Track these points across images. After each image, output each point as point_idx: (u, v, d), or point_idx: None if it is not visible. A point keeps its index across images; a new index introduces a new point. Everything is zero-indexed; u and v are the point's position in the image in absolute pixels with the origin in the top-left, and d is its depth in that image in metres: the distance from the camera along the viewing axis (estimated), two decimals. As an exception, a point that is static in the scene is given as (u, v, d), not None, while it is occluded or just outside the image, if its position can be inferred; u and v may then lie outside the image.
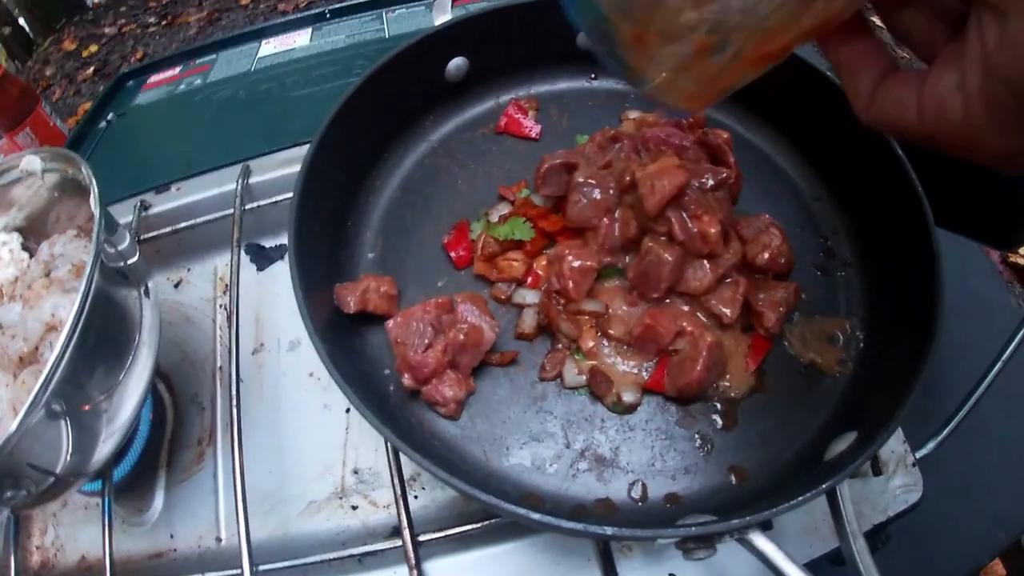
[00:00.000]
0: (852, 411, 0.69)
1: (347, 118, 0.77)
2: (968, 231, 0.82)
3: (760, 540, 0.57)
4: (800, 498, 0.56)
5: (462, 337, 0.68)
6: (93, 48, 3.31)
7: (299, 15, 1.27)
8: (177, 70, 1.30)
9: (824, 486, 0.57)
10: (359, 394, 0.60)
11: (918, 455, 0.76)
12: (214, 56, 1.28)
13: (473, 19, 0.82)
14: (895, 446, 0.76)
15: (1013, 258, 1.98)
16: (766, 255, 0.74)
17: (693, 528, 0.55)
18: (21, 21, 3.78)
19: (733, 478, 0.68)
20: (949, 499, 0.88)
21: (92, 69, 3.19)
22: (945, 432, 0.77)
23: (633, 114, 0.86)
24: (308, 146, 0.73)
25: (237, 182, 0.93)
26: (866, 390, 0.70)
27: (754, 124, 0.87)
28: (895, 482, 0.75)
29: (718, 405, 0.71)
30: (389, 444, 0.72)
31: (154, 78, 1.32)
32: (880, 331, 0.74)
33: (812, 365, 0.73)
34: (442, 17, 0.83)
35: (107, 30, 3.36)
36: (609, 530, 0.54)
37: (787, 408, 0.71)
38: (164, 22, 3.27)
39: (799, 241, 0.79)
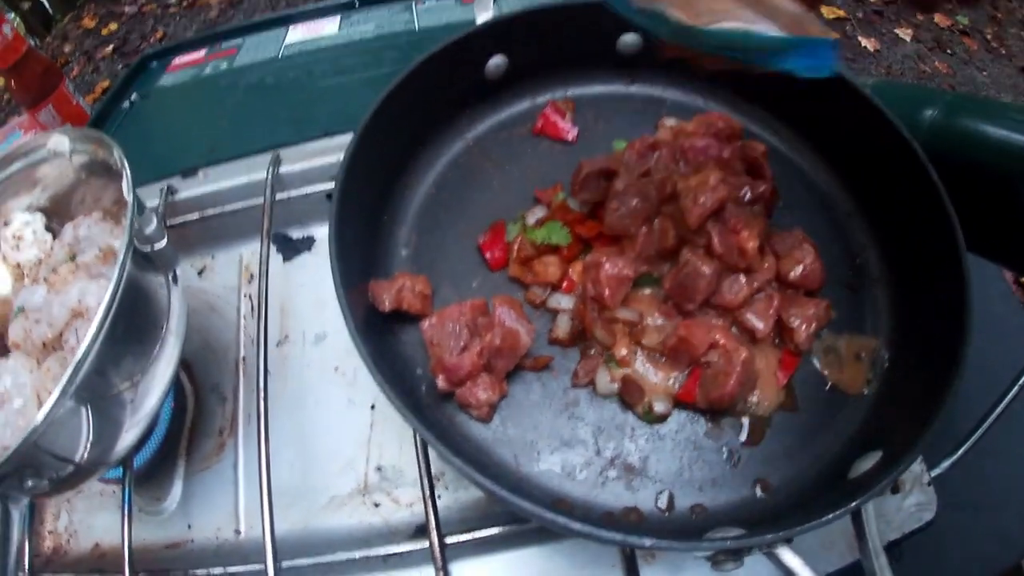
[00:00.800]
0: (876, 431, 0.70)
1: (388, 112, 0.77)
2: (996, 256, 0.83)
3: (787, 555, 0.58)
4: (830, 516, 0.57)
5: (498, 341, 0.68)
6: (113, 26, 3.28)
7: (326, 3, 1.27)
8: (202, 53, 1.29)
9: (853, 505, 0.58)
10: (398, 394, 0.61)
11: (932, 474, 0.77)
12: (240, 40, 1.27)
13: (515, 18, 0.82)
14: (912, 465, 0.77)
15: (1024, 279, 2.00)
16: (799, 271, 0.75)
17: (728, 542, 0.56)
18: (41, -3, 3.76)
19: (759, 491, 0.69)
20: (959, 518, 0.89)
21: (111, 47, 3.16)
22: (959, 452, 0.78)
23: (670, 121, 0.87)
24: (348, 138, 0.73)
25: (267, 171, 0.93)
26: (890, 410, 0.71)
27: (789, 138, 0.88)
28: (910, 500, 0.76)
29: (746, 419, 0.72)
30: (419, 443, 0.72)
31: (178, 60, 1.31)
32: (905, 352, 0.75)
33: (838, 383, 0.74)
34: (484, 15, 0.82)
35: (127, 8, 3.33)
36: (648, 541, 0.54)
37: (813, 425, 0.72)
38: (185, 3, 3.24)
39: (829, 256, 0.80)
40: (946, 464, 0.78)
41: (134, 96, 1.24)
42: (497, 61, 0.85)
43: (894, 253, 0.80)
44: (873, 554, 0.62)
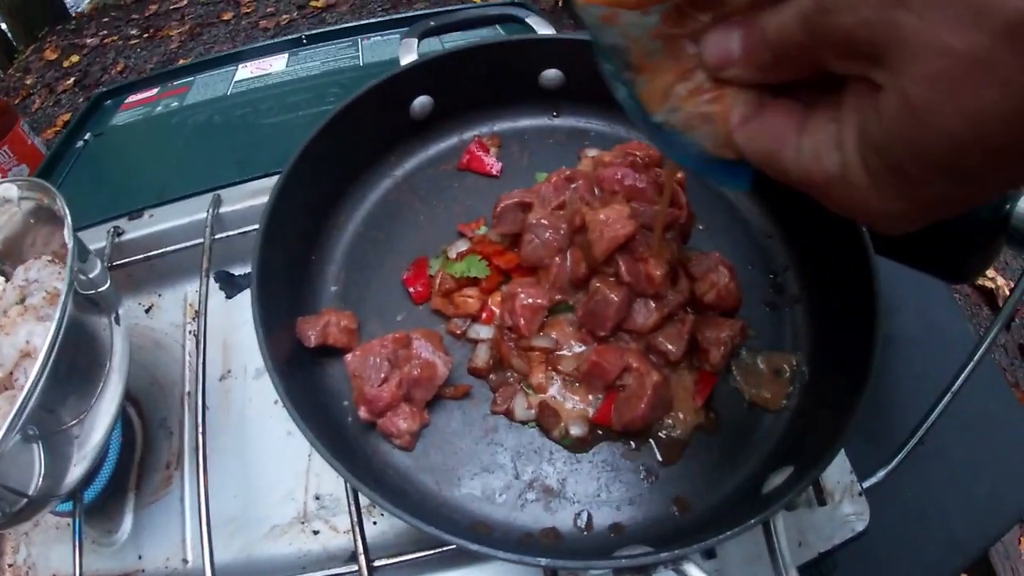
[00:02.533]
0: (792, 445, 0.74)
1: (314, 154, 0.81)
2: (922, 265, 0.86)
3: (695, 572, 0.61)
4: (731, 531, 0.60)
5: (416, 372, 0.72)
6: (74, 58, 3.34)
7: (276, 40, 1.32)
8: (155, 91, 1.34)
9: (755, 519, 0.61)
10: (315, 430, 0.65)
11: (867, 484, 0.79)
12: (192, 78, 1.32)
13: (438, 59, 0.87)
14: (841, 476, 0.80)
15: (981, 280, 2.04)
16: (713, 293, 0.79)
17: (623, 560, 0.60)
18: (3, 27, 3.82)
19: (676, 509, 0.72)
20: (903, 526, 0.93)
21: (72, 80, 3.22)
22: (895, 462, 0.80)
23: (591, 152, 0.91)
24: (276, 179, 0.78)
25: (208, 211, 0.98)
26: (807, 425, 0.75)
27: (709, 163, 0.92)
28: (841, 511, 0.79)
29: (663, 437, 0.75)
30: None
31: (132, 98, 1.36)
32: (823, 366, 0.78)
33: (757, 400, 0.78)
34: (408, 57, 0.87)
35: (89, 40, 3.40)
36: (543, 560, 0.58)
37: (732, 442, 0.76)
38: (146, 35, 3.31)
39: (750, 278, 0.84)
40: (881, 473, 0.80)
41: (87, 136, 1.29)
42: (423, 101, 0.90)
43: (811, 269, 0.84)
44: (784, 570, 0.65)
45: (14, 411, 0.61)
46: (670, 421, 0.76)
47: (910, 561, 0.92)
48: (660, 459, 0.75)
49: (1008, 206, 0.78)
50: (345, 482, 0.76)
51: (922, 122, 0.33)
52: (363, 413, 0.72)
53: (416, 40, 0.88)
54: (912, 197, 0.37)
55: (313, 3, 3.29)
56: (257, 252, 0.74)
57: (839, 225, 0.78)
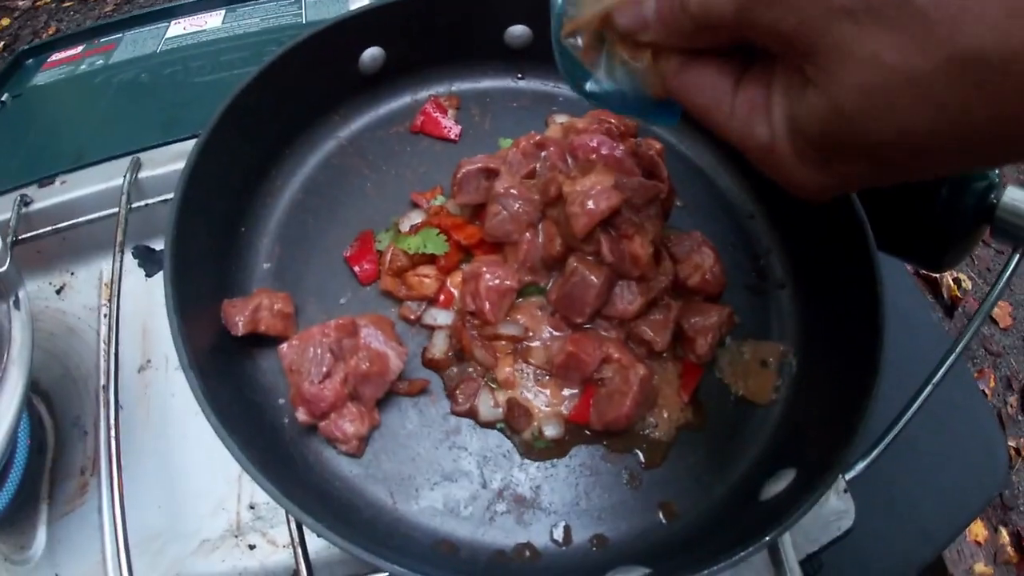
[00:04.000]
0: (789, 445, 0.63)
1: (243, 110, 0.65)
2: (901, 253, 0.77)
3: None
4: (741, 553, 0.49)
5: (364, 366, 0.57)
6: (4, 22, 2.98)
7: (213, -6, 1.13)
8: (79, 49, 1.13)
9: (767, 539, 0.50)
10: (241, 437, 0.51)
11: (847, 478, 0.70)
12: (120, 35, 1.12)
13: (393, 5, 0.71)
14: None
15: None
16: (698, 276, 0.67)
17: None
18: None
19: (663, 517, 0.60)
20: (878, 517, 0.84)
21: (1, 44, 2.89)
22: (874, 454, 0.71)
23: (560, 118, 0.77)
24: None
25: (125, 176, 0.80)
26: (802, 422, 0.64)
27: (688, 136, 0.79)
28: (827, 509, 0.69)
29: (646, 437, 0.63)
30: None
31: (55, 57, 1.15)
32: (814, 358, 0.68)
33: (745, 393, 0.67)
34: (358, 1, 0.71)
35: (20, 3, 3.04)
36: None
37: (719, 440, 0.64)
38: None
39: (731, 260, 0.73)
40: (860, 467, 0.70)
41: (5, 96, 1.08)
42: (373, 53, 0.74)
43: (799, 253, 0.73)
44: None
45: None
46: (652, 419, 0.63)
47: (885, 552, 0.85)
48: (643, 461, 0.62)
49: (994, 197, 0.71)
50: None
51: (850, 125, 0.33)
52: (302, 415, 0.57)
53: (367, -18, 0.73)
54: (836, 173, 0.37)
55: None
56: (172, 222, 0.58)
57: (832, 210, 0.67)
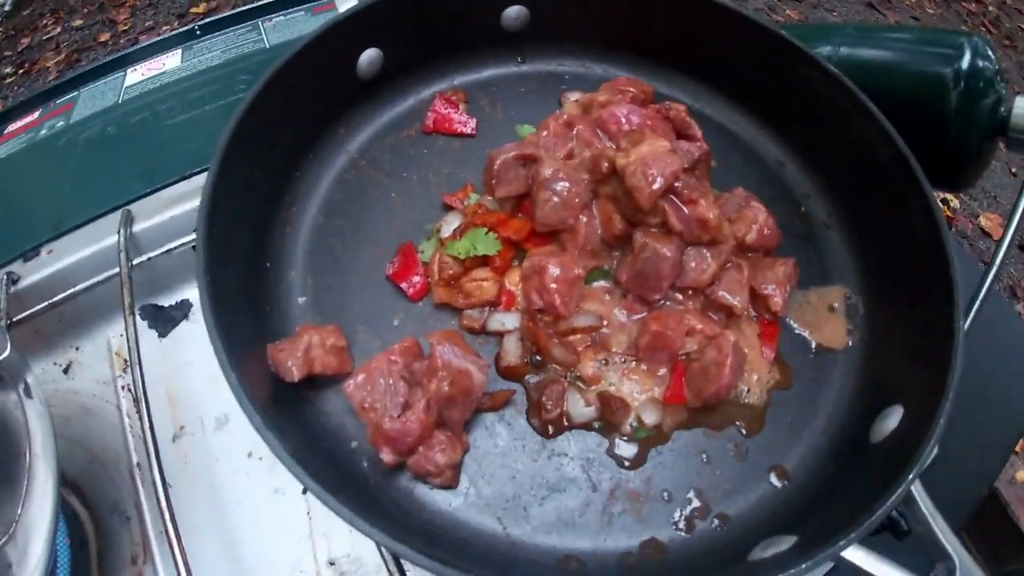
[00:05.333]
0: (883, 384, 0.58)
1: (246, 136, 0.56)
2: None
3: (849, 551, 0.45)
4: (889, 501, 0.45)
5: (446, 387, 0.49)
6: (-53, 107, 2.75)
7: (164, 36, 1.01)
8: (36, 115, 1.00)
9: (908, 479, 0.46)
10: (329, 488, 0.42)
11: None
12: (76, 93, 0.99)
13: (384, 2, 0.63)
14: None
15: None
16: (755, 232, 0.61)
17: (801, 565, 0.41)
18: None
19: (775, 480, 0.55)
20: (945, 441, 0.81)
21: (-56, 127, 2.65)
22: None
23: (574, 95, 0.70)
24: (204, 178, 0.52)
25: (119, 233, 0.69)
26: (887, 359, 0.60)
27: (700, 93, 0.74)
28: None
29: (741, 404, 0.57)
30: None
31: (11, 127, 1.02)
32: (879, 294, 0.63)
33: (821, 341, 0.61)
34: (347, 2, 0.62)
35: (-42, 82, 2.81)
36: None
37: (810, 393, 0.59)
38: (21, 71, 2.75)
39: (774, 210, 0.66)
40: None
41: (-35, 177, 0.95)
42: (370, 55, 0.65)
43: (838, 194, 0.69)
44: (930, 519, 0.50)
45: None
46: (744, 386, 0.57)
47: (958, 473, 0.80)
48: (744, 430, 0.56)
49: (1004, 110, 0.68)
50: (377, 544, 0.52)
51: None
52: (387, 455, 0.49)
53: (352, -20, 0.64)
54: None
55: (194, 9, 2.81)
56: (202, 267, 0.48)
57: (869, 146, 0.63)
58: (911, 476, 0.46)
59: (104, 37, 2.77)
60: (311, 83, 0.62)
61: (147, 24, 2.81)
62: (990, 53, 0.68)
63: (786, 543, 0.47)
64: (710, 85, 0.73)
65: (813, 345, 0.61)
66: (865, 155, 0.63)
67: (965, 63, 0.67)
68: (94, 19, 2.85)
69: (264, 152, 0.59)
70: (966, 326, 0.63)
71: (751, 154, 0.71)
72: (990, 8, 3.05)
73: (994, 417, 0.83)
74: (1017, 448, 1.58)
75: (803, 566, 0.41)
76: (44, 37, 2.83)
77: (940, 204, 1.99)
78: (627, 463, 0.53)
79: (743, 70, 0.70)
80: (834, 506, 0.50)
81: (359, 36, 0.63)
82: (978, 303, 0.64)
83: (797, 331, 0.62)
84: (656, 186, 0.51)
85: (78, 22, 2.85)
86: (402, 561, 0.53)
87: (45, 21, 2.87)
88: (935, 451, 0.66)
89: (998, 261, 0.66)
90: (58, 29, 2.84)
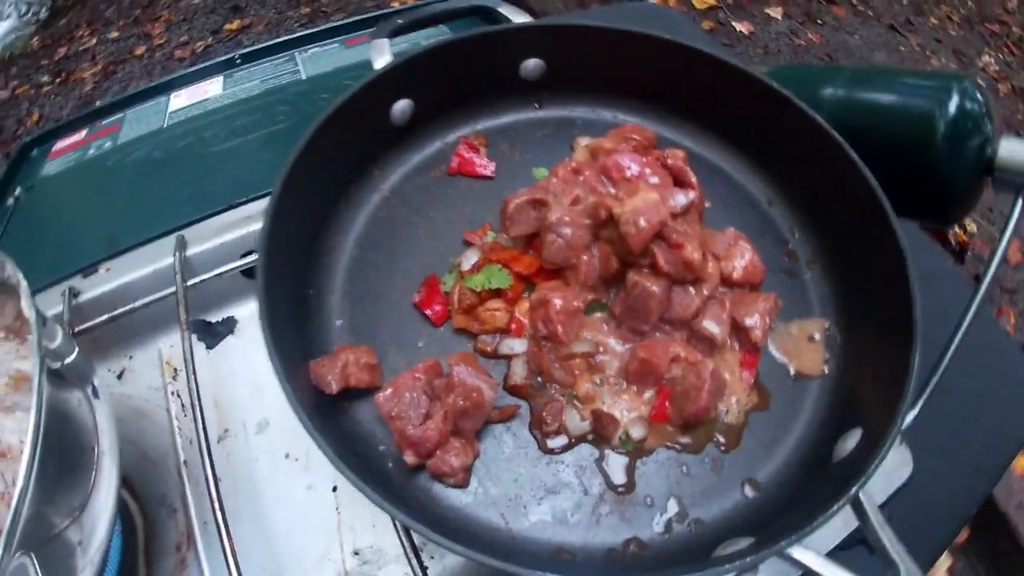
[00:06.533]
0: (849, 408, 0.68)
1: (296, 181, 0.68)
2: (910, 214, 0.82)
3: (799, 553, 0.55)
4: (833, 508, 0.55)
5: (462, 402, 0.62)
6: (-15, 114, 2.95)
7: (206, 63, 1.16)
8: (83, 133, 1.15)
9: (852, 492, 0.56)
10: (368, 482, 0.54)
11: (902, 428, 0.75)
12: (121, 115, 1.14)
13: (416, 57, 0.76)
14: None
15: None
16: (741, 269, 0.73)
17: (748, 558, 0.53)
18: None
19: (748, 492, 0.66)
20: (933, 463, 0.89)
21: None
22: (920, 403, 0.76)
23: (584, 140, 0.82)
24: (253, 207, 0.67)
25: (175, 255, 0.83)
26: (856, 386, 0.70)
27: (702, 138, 0.85)
28: (888, 463, 0.74)
29: (721, 424, 0.68)
30: (399, 524, 0.65)
31: (60, 144, 1.16)
32: (855, 326, 0.73)
33: (799, 369, 0.72)
34: (382, 59, 0.75)
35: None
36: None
37: (785, 415, 0.70)
38: (58, 80, 2.95)
39: (760, 247, 0.78)
40: (911, 416, 0.75)
41: (18, 191, 1.09)
42: (402, 105, 0.78)
43: (822, 231, 0.79)
44: (878, 528, 0.59)
45: (6, 529, 0.47)
46: (723, 407, 0.69)
47: (945, 494, 0.89)
48: (723, 446, 0.67)
49: (990, 150, 0.75)
50: (398, 533, 0.65)
51: None
52: (410, 457, 0.61)
53: (387, 40, 0.77)
54: None
55: (228, 26, 3.02)
56: (262, 292, 0.61)
57: (846, 185, 0.73)
58: (852, 491, 0.56)
59: (139, 50, 2.97)
60: (351, 130, 0.74)
61: (181, 39, 2.98)
62: (979, 96, 0.75)
63: (744, 542, 0.58)
64: (709, 129, 0.84)
65: (792, 372, 0.72)
66: (843, 195, 0.73)
67: (953, 105, 0.74)
68: (129, 32, 3.05)
69: (310, 193, 0.72)
70: (952, 350, 0.74)
71: (743, 194, 0.83)
72: (1014, 29, 3.10)
73: (987, 437, 0.92)
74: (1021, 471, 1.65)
75: (747, 559, 0.52)
76: (80, 48, 3.03)
77: (957, 229, 2.07)
78: (614, 474, 0.65)
79: (738, 115, 0.81)
80: (792, 514, 0.61)
81: (393, 89, 0.76)
82: (960, 332, 0.73)
83: (778, 359, 0.73)
84: (644, 234, 0.63)
85: (114, 34, 3.05)
86: (420, 551, 0.66)
87: (81, 32, 3.07)
88: (909, 471, 0.77)
89: (983, 286, 0.73)
90: (94, 40, 3.04)
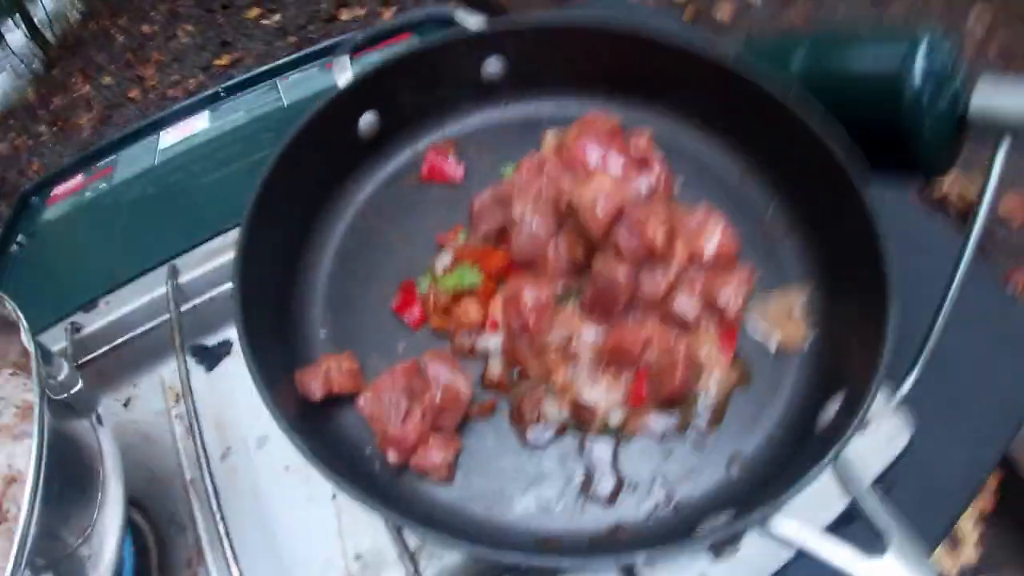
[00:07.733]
0: (832, 377, 0.70)
1: (269, 200, 0.74)
2: (892, 173, 0.83)
3: (781, 523, 0.57)
4: (807, 475, 0.57)
5: (439, 398, 0.66)
6: (-14, 170, 3.13)
7: (192, 100, 1.23)
8: (79, 178, 1.23)
9: (825, 460, 0.57)
10: (351, 482, 0.59)
11: (901, 395, 0.76)
12: (114, 157, 1.22)
13: (376, 71, 0.81)
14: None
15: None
16: (713, 244, 0.75)
17: (718, 533, 0.56)
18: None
19: (734, 470, 0.68)
20: (940, 430, 0.90)
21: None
22: (916, 370, 0.77)
23: (552, 132, 0.86)
24: (236, 234, 0.71)
25: (167, 284, 0.89)
26: (837, 354, 0.71)
27: (670, 119, 0.88)
28: (882, 431, 0.77)
29: (702, 402, 0.71)
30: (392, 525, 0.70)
31: (58, 190, 1.25)
32: (834, 293, 0.75)
33: (780, 340, 0.75)
34: (344, 76, 0.81)
35: (-1, 147, 3.20)
36: (641, 555, 0.54)
37: (767, 390, 0.72)
38: (55, 128, 3.12)
39: (735, 222, 0.80)
40: (909, 382, 0.76)
41: (20, 238, 1.18)
42: (368, 118, 0.83)
43: (796, 201, 0.81)
44: (862, 498, 0.61)
45: (15, 548, 0.52)
46: (703, 386, 0.72)
47: (954, 461, 0.90)
48: (705, 425, 0.70)
49: (962, 102, 0.74)
50: (392, 527, 0.69)
51: None
52: (392, 456, 0.66)
53: (348, 57, 0.82)
54: None
55: (217, 62, 3.16)
56: (238, 312, 0.66)
57: (806, 146, 0.74)
58: (831, 454, 0.57)
59: (133, 93, 3.11)
60: (320, 148, 0.79)
61: (173, 79, 3.12)
62: (945, 48, 0.74)
63: (724, 516, 0.61)
64: (675, 112, 0.87)
65: (773, 346, 0.75)
66: (810, 165, 0.75)
67: (918, 68, 0.73)
68: (122, 76, 3.20)
69: (284, 211, 0.77)
70: (946, 309, 0.75)
71: (714, 173, 0.85)
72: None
73: (991, 404, 0.93)
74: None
75: (727, 531, 0.55)
76: (75, 95, 3.19)
77: (956, 195, 2.02)
78: (596, 458, 0.69)
79: (701, 96, 0.84)
80: (774, 487, 0.63)
81: (356, 104, 0.81)
82: (953, 290, 0.73)
83: (758, 333, 0.76)
84: (604, 218, 0.67)
85: (107, 80, 3.20)
86: (415, 554, 0.70)
87: (75, 80, 3.24)
88: (905, 441, 0.78)
89: (972, 240, 0.72)
90: (88, 87, 3.20)
